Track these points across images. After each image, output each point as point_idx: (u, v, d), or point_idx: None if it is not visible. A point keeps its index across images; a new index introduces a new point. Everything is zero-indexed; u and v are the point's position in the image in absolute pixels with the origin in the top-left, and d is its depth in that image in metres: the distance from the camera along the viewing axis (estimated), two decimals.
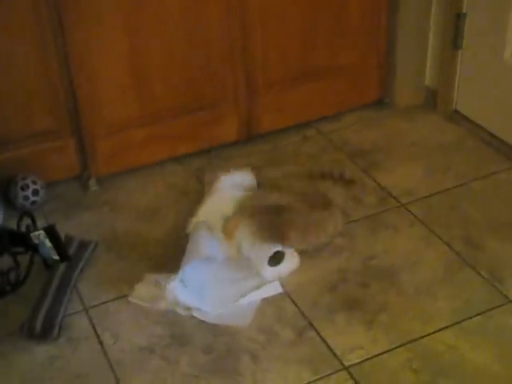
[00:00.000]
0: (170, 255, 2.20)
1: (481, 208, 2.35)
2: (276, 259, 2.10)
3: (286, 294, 2.06)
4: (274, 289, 2.07)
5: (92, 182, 2.49)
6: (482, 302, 2.01)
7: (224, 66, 2.51)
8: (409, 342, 1.90)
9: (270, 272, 2.09)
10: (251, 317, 1.99)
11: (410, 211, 2.35)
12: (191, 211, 2.35)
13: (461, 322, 1.95)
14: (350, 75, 2.76)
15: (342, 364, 1.85)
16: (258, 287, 2.05)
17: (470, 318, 1.96)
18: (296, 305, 2.03)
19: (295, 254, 2.14)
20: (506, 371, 1.81)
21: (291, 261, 2.12)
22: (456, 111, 2.77)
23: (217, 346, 1.92)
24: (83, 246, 2.20)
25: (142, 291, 2.06)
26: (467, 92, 2.71)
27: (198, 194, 2.46)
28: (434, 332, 1.93)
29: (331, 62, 2.69)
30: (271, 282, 2.07)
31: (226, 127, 2.62)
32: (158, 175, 2.56)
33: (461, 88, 2.72)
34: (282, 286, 2.08)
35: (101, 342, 1.94)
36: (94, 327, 1.99)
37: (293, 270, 2.12)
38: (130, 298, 2.05)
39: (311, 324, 1.97)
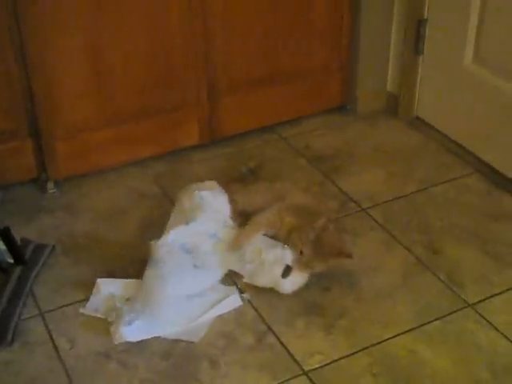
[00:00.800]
0: (129, 260, 2.16)
1: (441, 213, 2.35)
2: (286, 271, 2.02)
3: (246, 298, 2.04)
4: (233, 303, 2.02)
5: (50, 185, 2.45)
6: (441, 307, 2.01)
7: (186, 70, 2.48)
8: (369, 347, 1.89)
9: (285, 283, 2.02)
10: (204, 332, 1.94)
11: (370, 216, 2.35)
12: (151, 217, 2.33)
13: (420, 326, 1.95)
14: (313, 80, 2.76)
15: (302, 369, 1.84)
16: (216, 302, 2.00)
17: (430, 322, 1.96)
18: (255, 309, 2.01)
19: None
20: (463, 376, 1.81)
21: (301, 273, 2.04)
22: (417, 117, 2.78)
23: (175, 352, 1.89)
24: (39, 249, 2.16)
25: (94, 302, 2.01)
26: (428, 98, 2.72)
27: (157, 199, 2.43)
28: (393, 336, 1.92)
29: (293, 66, 2.68)
30: (230, 295, 2.03)
31: (187, 131, 2.60)
32: (118, 179, 2.52)
33: (422, 93, 2.73)
34: (241, 289, 2.06)
35: (56, 347, 1.90)
36: (49, 332, 1.94)
37: (302, 283, 2.05)
38: (81, 310, 2.00)
39: (271, 329, 1.95)
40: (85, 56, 2.31)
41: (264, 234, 2.10)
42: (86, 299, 2.03)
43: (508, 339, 1.91)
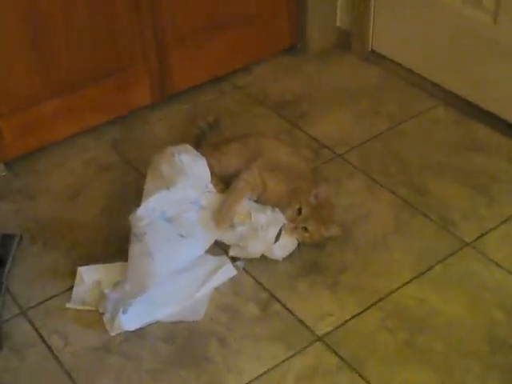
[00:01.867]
0: (103, 239, 2.02)
1: (417, 150, 2.29)
2: (279, 234, 1.91)
3: (240, 267, 1.93)
4: (228, 273, 1.91)
5: (0, 167, 2.24)
6: (440, 249, 1.96)
7: (131, 26, 2.29)
8: (377, 302, 1.83)
9: (276, 249, 1.92)
10: (204, 309, 1.83)
11: (347, 161, 2.27)
12: (117, 189, 2.18)
13: (424, 272, 1.90)
14: (261, 23, 2.60)
15: (315, 334, 1.76)
16: (210, 274, 1.88)
17: (432, 267, 1.91)
18: (252, 277, 1.91)
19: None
20: (478, 318, 1.78)
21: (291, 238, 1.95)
22: (372, 51, 2.68)
23: (179, 334, 1.77)
24: (7, 240, 1.97)
25: (80, 294, 1.86)
26: (383, 29, 2.62)
27: (119, 168, 2.27)
28: (399, 287, 1.86)
29: (241, 10, 2.53)
30: (223, 265, 1.91)
31: (138, 91, 2.42)
32: (73, 151, 2.32)
33: (376, 25, 2.63)
34: (234, 258, 1.95)
35: (49, 347, 1.75)
36: (37, 331, 1.79)
37: (292, 249, 1.96)
38: (68, 305, 1.84)
39: (273, 295, 1.86)
40: (23, 22, 2.09)
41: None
42: (69, 289, 1.87)
43: None
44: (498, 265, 1.90)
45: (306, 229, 1.91)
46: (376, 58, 2.67)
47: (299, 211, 1.90)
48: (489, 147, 2.28)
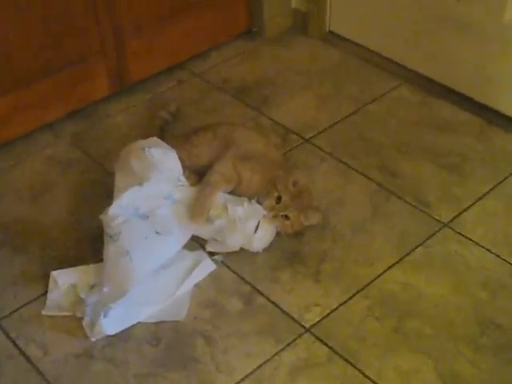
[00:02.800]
0: (74, 239, 1.95)
1: (384, 131, 2.27)
2: (256, 226, 1.86)
3: (219, 261, 1.88)
4: (207, 268, 1.86)
5: None
6: (418, 232, 1.95)
7: (87, 15, 2.20)
8: (363, 289, 1.81)
9: (255, 240, 1.87)
10: (186, 308, 1.77)
11: (316, 146, 2.23)
12: (83, 186, 2.10)
13: (405, 256, 1.88)
14: (217, 8, 2.54)
15: (303, 326, 1.73)
16: (189, 270, 1.83)
17: (413, 250, 1.90)
18: (232, 270, 1.87)
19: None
20: (463, 299, 1.78)
21: (269, 228, 1.90)
22: (330, 32, 2.65)
23: (163, 335, 1.72)
24: None
25: (55, 299, 1.78)
26: (340, 9, 2.58)
27: (83, 163, 2.18)
28: (382, 272, 1.85)
29: None
30: (201, 260, 1.86)
31: (96, 82, 2.33)
32: (32, 148, 2.23)
33: (333, 5, 2.59)
34: (211, 252, 1.90)
35: (28, 358, 1.67)
36: (13, 341, 1.71)
37: (271, 239, 1.91)
38: (44, 312, 1.76)
39: (256, 288, 1.82)
40: None
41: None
42: (43, 295, 1.79)
43: (492, 252, 1.88)
44: (476, 244, 1.90)
45: (286, 217, 1.87)
46: (334, 38, 2.64)
47: (278, 199, 1.86)
48: (456, 125, 2.27)
